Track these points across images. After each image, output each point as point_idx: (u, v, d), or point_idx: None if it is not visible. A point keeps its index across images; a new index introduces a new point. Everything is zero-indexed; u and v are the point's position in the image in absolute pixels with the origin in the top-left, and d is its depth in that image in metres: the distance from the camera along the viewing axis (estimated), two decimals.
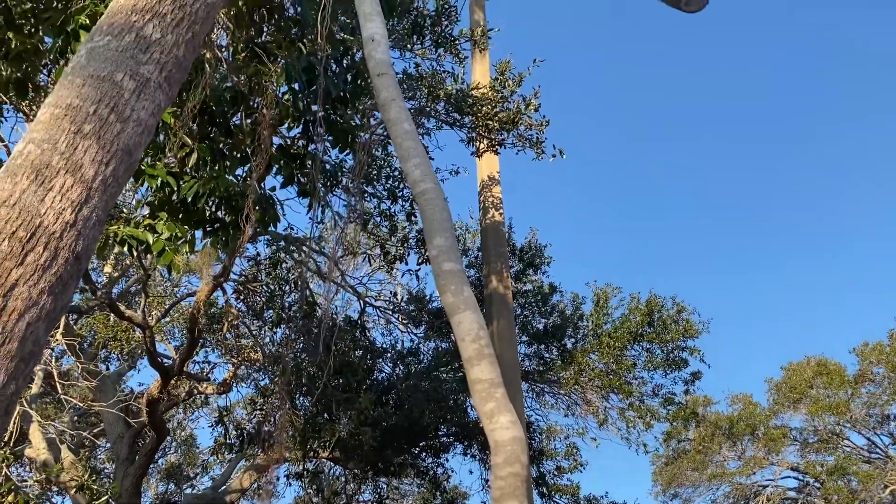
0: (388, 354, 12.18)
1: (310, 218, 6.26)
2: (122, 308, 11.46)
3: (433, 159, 9.87)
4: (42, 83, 8.70)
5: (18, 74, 6.77)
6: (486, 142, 9.29)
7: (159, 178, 5.24)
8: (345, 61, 6.04)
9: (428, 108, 9.81)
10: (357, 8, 3.15)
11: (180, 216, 5.49)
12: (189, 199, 5.28)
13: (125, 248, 5.43)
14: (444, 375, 11.91)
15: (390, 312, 12.09)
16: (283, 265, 11.21)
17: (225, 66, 6.09)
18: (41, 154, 2.69)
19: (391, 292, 12.44)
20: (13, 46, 6.51)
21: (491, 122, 8.89)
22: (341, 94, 5.79)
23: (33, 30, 6.69)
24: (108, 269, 13.93)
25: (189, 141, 5.21)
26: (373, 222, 10.32)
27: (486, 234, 10.10)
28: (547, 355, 13.48)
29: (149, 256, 9.08)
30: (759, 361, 42.03)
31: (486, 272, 10.10)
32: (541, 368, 13.46)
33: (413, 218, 9.78)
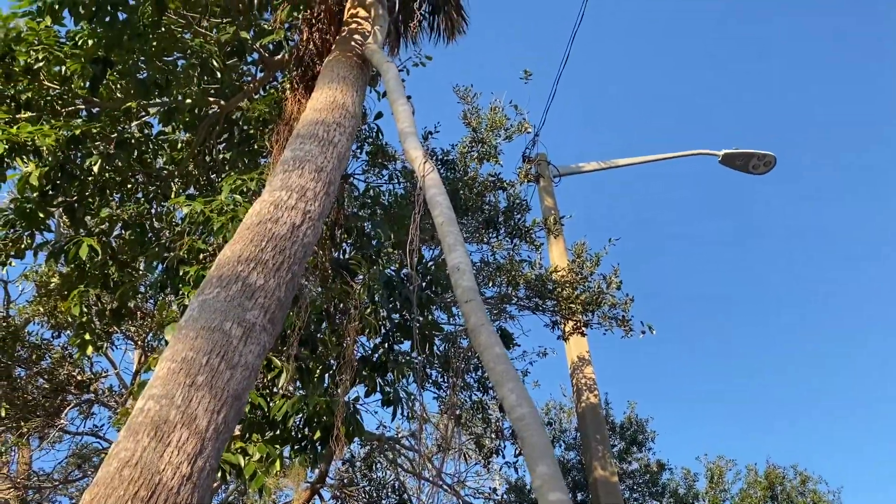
0: None
1: (402, 415, 6.28)
2: None
3: (519, 345, 9.85)
4: (146, 310, 9.38)
5: (116, 303, 7.36)
6: (571, 324, 9.26)
7: (251, 401, 5.40)
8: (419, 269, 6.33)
9: (510, 294, 9.96)
10: (441, 240, 3.33)
11: (269, 435, 5.59)
12: (279, 419, 5.40)
13: (219, 474, 5.52)
14: None
15: None
16: (379, 464, 11.04)
17: (310, 283, 6.47)
18: (160, 409, 2.84)
19: (490, 487, 11.96)
20: (114, 279, 7.14)
21: (574, 305, 8.91)
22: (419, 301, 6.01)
23: (131, 261, 7.36)
24: None
25: (278, 363, 5.42)
26: (465, 415, 10.18)
27: (583, 419, 9.74)
28: None
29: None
30: None
31: (587, 458, 9.65)
32: None
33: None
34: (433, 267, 7.38)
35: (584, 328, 9.30)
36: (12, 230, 6.96)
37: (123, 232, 7.40)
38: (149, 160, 7.60)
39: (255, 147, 7.41)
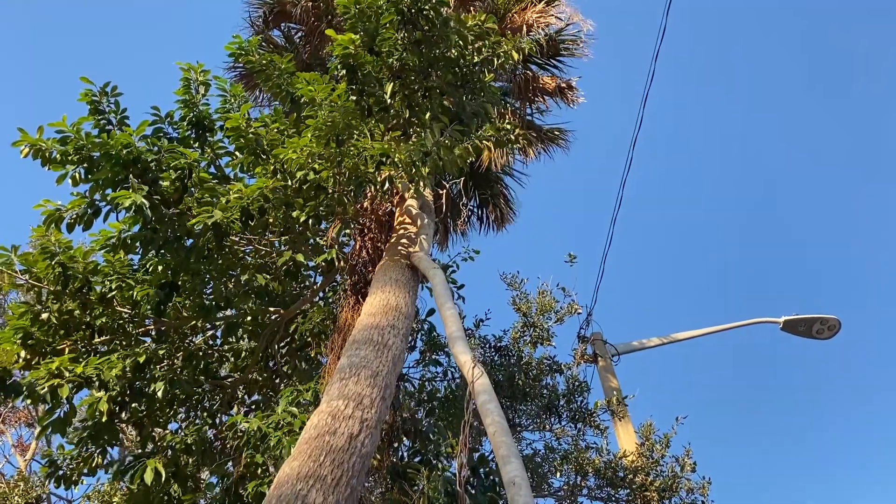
0: None
1: None
2: None
3: None
4: None
5: None
6: None
7: None
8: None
9: (579, 484, 9.48)
10: (494, 450, 3.28)
11: None
12: None
13: None
14: None
15: None
16: None
17: (369, 489, 6.28)
18: None
19: None
20: (176, 497, 7.06)
21: (649, 493, 8.41)
22: None
23: (192, 475, 7.31)
24: None
25: None
26: None
27: None
28: None
29: None
30: None
31: None
32: None
33: None
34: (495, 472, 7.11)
35: None
36: (84, 448, 7.02)
37: (184, 444, 7.43)
38: (214, 370, 7.82)
39: (312, 355, 7.58)
